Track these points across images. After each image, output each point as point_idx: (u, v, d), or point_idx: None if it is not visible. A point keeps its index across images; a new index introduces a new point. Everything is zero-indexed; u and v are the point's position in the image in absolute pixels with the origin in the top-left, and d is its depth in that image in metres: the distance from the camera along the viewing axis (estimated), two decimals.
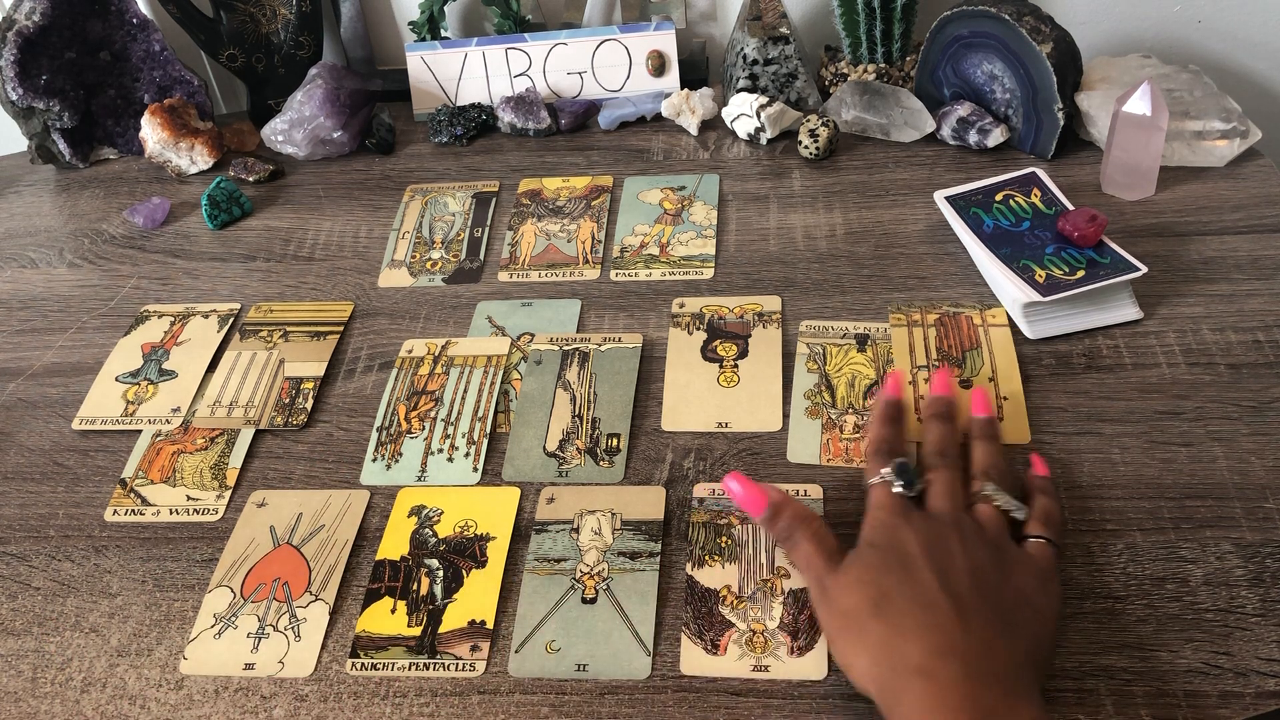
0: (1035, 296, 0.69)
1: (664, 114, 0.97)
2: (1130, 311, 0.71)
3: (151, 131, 0.96)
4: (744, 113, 0.92)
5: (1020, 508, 0.57)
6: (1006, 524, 0.57)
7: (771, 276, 0.79)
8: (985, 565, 0.53)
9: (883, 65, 0.95)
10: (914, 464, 0.59)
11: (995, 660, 0.49)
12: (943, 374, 0.64)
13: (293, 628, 0.59)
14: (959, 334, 0.71)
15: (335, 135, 0.96)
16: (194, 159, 0.98)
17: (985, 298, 0.75)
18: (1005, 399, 0.66)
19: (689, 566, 0.60)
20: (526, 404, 0.70)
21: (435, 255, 0.85)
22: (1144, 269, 0.70)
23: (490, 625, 0.58)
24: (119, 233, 0.92)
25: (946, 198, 0.79)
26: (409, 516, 0.64)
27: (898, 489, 0.57)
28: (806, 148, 0.90)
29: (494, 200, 0.90)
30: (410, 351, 0.76)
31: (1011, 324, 0.72)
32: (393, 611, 0.59)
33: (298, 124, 0.96)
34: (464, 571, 0.61)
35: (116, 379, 0.76)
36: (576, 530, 0.62)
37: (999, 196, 0.78)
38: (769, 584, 0.58)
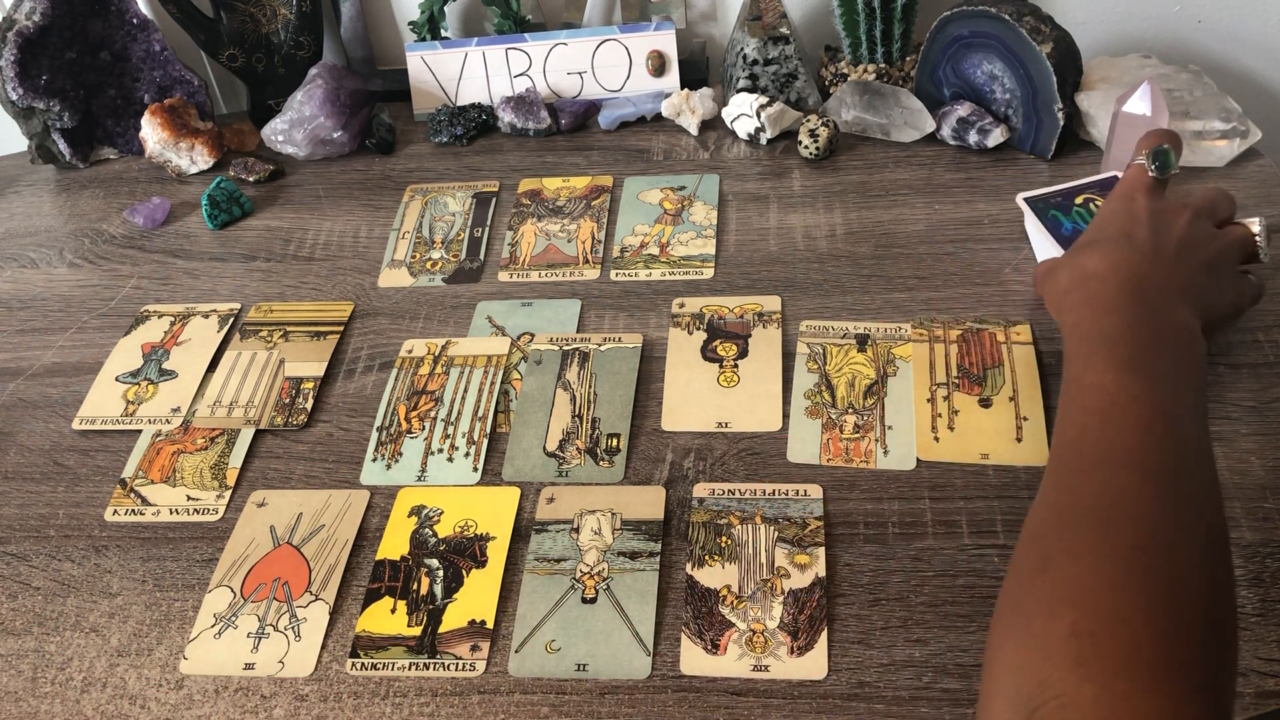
0: None
1: (664, 114, 0.97)
2: None
3: (151, 131, 0.96)
4: (744, 113, 0.92)
5: (1266, 257, 0.61)
6: (1245, 255, 0.62)
7: (771, 276, 0.79)
8: (1201, 241, 0.58)
9: (883, 65, 0.95)
10: (1175, 157, 0.63)
11: (1165, 285, 0.55)
12: None
13: (293, 627, 0.59)
14: (981, 351, 0.70)
15: (335, 135, 0.96)
16: (194, 159, 0.98)
17: (985, 298, 0.75)
18: (1026, 419, 0.65)
19: (689, 566, 0.60)
20: (526, 404, 0.70)
21: (435, 255, 0.85)
22: None
23: (490, 625, 0.58)
24: (119, 233, 0.92)
25: (1026, 199, 0.77)
26: (409, 516, 0.64)
27: (1152, 171, 0.62)
28: (806, 148, 0.89)
29: (494, 200, 0.90)
30: (410, 351, 0.76)
31: (1035, 342, 0.70)
32: (393, 611, 0.59)
33: (298, 124, 0.96)
34: (464, 571, 0.61)
35: (116, 379, 0.76)
36: (576, 530, 0.62)
37: (1079, 199, 0.77)
38: (769, 584, 0.58)
